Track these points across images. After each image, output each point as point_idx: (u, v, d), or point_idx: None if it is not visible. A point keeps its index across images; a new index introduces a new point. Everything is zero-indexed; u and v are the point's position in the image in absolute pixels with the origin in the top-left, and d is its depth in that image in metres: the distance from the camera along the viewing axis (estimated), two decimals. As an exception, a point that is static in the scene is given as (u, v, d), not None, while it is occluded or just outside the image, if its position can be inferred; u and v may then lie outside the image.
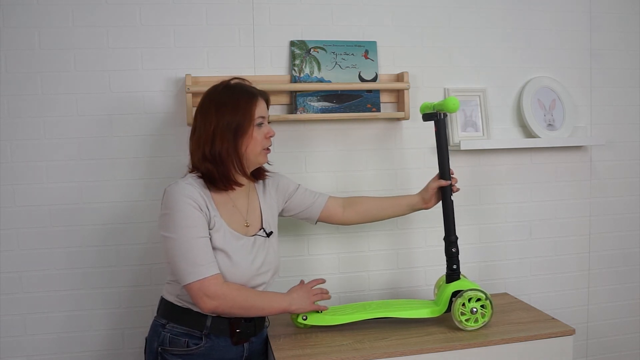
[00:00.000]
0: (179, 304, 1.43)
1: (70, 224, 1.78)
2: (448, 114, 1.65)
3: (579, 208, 2.14)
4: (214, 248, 1.39)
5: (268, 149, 1.50)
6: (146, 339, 1.48)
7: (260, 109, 1.45)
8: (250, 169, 1.48)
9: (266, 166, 1.57)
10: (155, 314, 1.50)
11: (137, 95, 1.80)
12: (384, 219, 1.74)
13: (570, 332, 1.55)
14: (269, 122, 1.51)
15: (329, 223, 1.71)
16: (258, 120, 1.44)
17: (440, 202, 1.65)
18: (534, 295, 2.09)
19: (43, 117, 1.76)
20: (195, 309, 1.41)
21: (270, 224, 1.55)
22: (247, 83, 1.50)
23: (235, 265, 1.41)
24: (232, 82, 1.49)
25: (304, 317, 1.58)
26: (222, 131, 1.40)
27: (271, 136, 1.49)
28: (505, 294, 1.98)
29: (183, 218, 1.35)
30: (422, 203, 1.67)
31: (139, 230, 1.82)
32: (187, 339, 1.41)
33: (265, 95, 1.50)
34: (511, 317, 1.67)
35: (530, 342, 1.51)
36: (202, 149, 1.41)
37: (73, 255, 1.79)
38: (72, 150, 1.78)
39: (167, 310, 1.45)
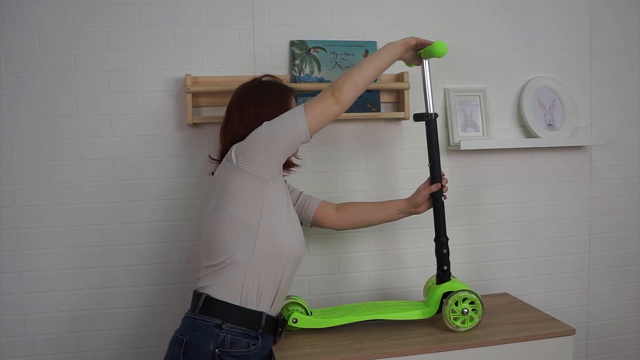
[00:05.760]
0: (239, 303, 1.38)
1: (71, 224, 1.78)
2: (439, 114, 1.64)
3: (579, 208, 2.14)
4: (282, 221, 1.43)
5: None
6: (185, 341, 1.37)
7: (292, 102, 1.53)
8: None
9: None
10: (195, 314, 1.40)
11: (137, 95, 1.80)
12: (377, 224, 1.74)
13: (570, 332, 1.55)
14: None
15: (322, 227, 1.72)
16: None
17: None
18: (534, 295, 2.09)
19: (43, 117, 1.76)
20: (252, 308, 1.40)
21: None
22: (278, 80, 1.57)
23: (301, 235, 1.49)
24: (264, 78, 1.56)
25: (295, 320, 1.58)
26: (261, 123, 1.42)
27: None
28: (505, 294, 1.98)
29: None
30: (411, 207, 1.67)
31: (139, 230, 1.82)
32: (248, 340, 1.39)
33: (295, 91, 1.56)
34: (511, 317, 1.67)
35: (530, 342, 1.51)
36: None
37: (73, 255, 1.79)
38: (71, 151, 1.78)
39: (220, 310, 1.38)
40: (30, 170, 1.76)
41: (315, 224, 1.71)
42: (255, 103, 1.47)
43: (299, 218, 1.69)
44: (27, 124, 1.75)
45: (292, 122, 1.36)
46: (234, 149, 1.40)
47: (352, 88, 1.40)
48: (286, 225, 1.44)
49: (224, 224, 1.39)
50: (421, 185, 1.66)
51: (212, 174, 1.52)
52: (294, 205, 1.68)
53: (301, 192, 1.72)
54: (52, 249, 1.78)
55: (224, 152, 1.50)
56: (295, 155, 1.57)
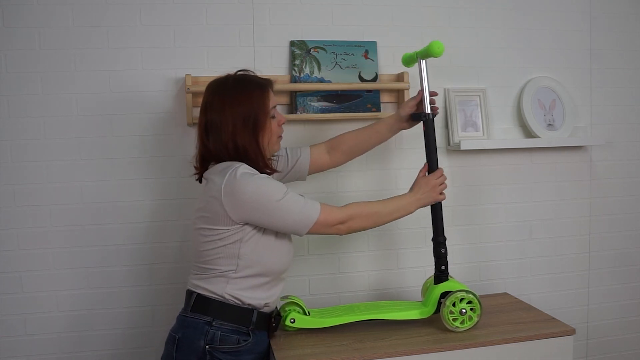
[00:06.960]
0: (228, 301, 1.40)
1: (70, 224, 1.78)
2: (437, 114, 1.64)
3: (579, 208, 2.14)
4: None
5: (281, 136, 1.52)
6: (178, 338, 1.40)
7: (271, 96, 1.46)
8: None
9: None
10: (187, 312, 1.42)
11: (137, 95, 1.80)
12: (370, 149, 1.74)
13: (570, 332, 1.55)
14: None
15: (320, 171, 1.73)
16: (272, 112, 1.46)
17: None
18: (534, 295, 2.09)
19: (43, 117, 1.76)
20: (243, 305, 1.41)
21: None
22: (251, 73, 1.50)
23: (289, 252, 1.50)
24: (239, 73, 1.49)
25: (292, 320, 1.57)
26: (240, 126, 1.40)
27: (283, 123, 1.52)
28: (505, 294, 1.97)
29: (270, 182, 1.39)
30: (398, 122, 1.67)
31: (139, 230, 1.82)
32: (237, 336, 1.40)
33: (271, 84, 1.49)
34: (511, 317, 1.67)
35: (530, 342, 1.51)
36: (225, 145, 1.40)
37: (73, 255, 1.79)
38: (72, 150, 1.78)
39: (211, 308, 1.40)
40: (30, 170, 1.76)
41: (311, 173, 1.70)
42: (231, 105, 1.40)
43: (294, 175, 1.67)
44: (27, 124, 1.75)
45: (302, 217, 1.39)
46: (226, 187, 1.34)
47: (363, 227, 1.49)
48: (272, 248, 1.43)
49: (209, 245, 1.40)
50: (406, 103, 1.67)
51: (195, 174, 1.50)
52: (289, 172, 1.65)
53: (288, 156, 1.65)
54: (52, 249, 1.78)
55: (205, 153, 1.45)
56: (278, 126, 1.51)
